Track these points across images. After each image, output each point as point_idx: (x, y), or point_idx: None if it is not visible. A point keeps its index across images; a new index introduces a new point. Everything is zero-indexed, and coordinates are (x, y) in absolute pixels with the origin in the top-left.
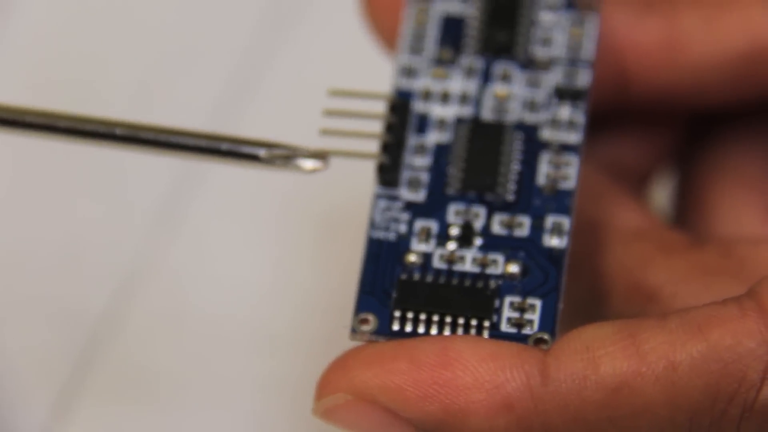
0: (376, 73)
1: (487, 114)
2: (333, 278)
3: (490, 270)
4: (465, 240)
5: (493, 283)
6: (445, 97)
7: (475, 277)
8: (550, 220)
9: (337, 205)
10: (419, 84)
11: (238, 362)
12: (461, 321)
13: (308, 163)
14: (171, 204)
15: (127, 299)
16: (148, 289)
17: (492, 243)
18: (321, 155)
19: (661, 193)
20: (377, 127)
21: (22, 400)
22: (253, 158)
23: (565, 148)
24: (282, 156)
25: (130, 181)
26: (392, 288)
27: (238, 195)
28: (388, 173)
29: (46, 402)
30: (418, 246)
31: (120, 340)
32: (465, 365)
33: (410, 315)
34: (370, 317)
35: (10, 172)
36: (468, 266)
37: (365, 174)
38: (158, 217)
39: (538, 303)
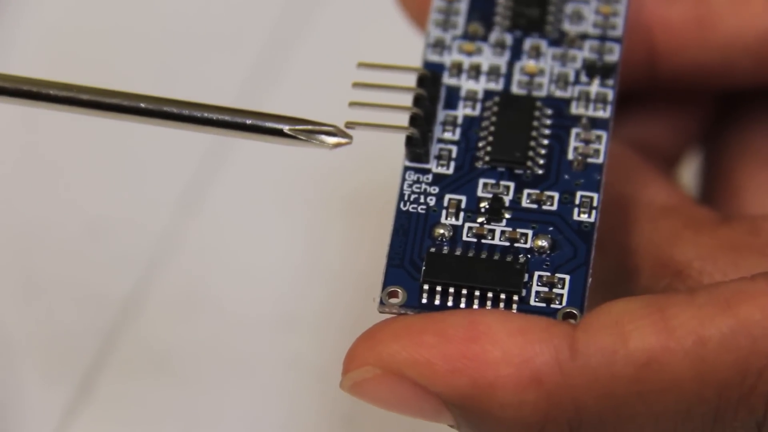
0: (406, 49)
1: (517, 89)
2: (360, 256)
3: (519, 244)
4: (494, 214)
5: (522, 257)
6: (475, 72)
7: (504, 250)
8: (579, 195)
9: (364, 183)
10: (449, 58)
11: (264, 341)
12: (490, 294)
13: (331, 139)
14: (195, 184)
15: (152, 279)
16: (173, 269)
17: (521, 217)
18: (344, 131)
19: (687, 172)
20: (407, 100)
21: (47, 379)
22: (277, 133)
23: (595, 123)
24: (305, 131)
25: (155, 163)
26: (421, 261)
27: (263, 174)
28: (418, 146)
29: (70, 380)
30: (447, 219)
31: (145, 318)
32: (494, 339)
33: (439, 288)
34: (399, 290)
35: (34, 153)
36: (497, 240)
37: (391, 152)
38: (183, 197)
39: (566, 278)
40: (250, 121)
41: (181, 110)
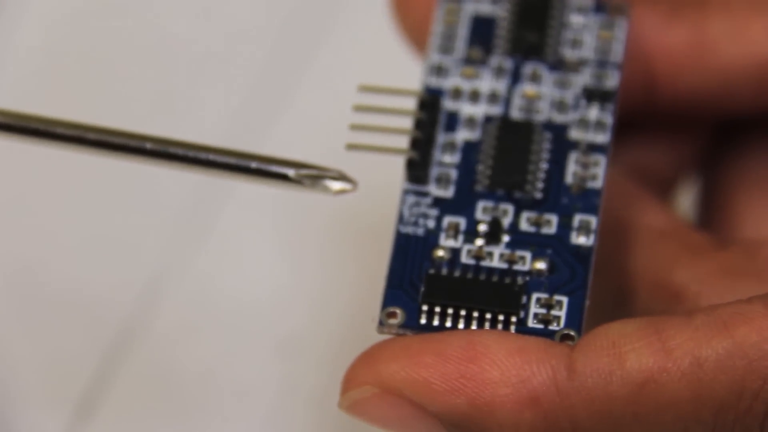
0: (406, 73)
1: (516, 113)
2: (358, 279)
3: (518, 266)
4: (493, 236)
5: (520, 279)
6: (474, 96)
7: (502, 273)
8: (577, 219)
9: (362, 207)
10: (449, 82)
11: (262, 367)
12: (488, 316)
13: (336, 184)
14: (195, 212)
15: (151, 304)
16: (171, 294)
17: (519, 240)
18: (349, 177)
19: (686, 198)
20: (407, 124)
21: (48, 403)
22: (282, 177)
23: (593, 148)
24: (310, 176)
25: (156, 187)
26: (420, 282)
27: (261, 200)
28: (418, 169)
29: (68, 406)
30: (447, 241)
31: (143, 343)
32: (492, 359)
33: (438, 309)
34: (398, 311)
35: (37, 174)
36: (495, 262)
37: (390, 175)
38: (182, 225)
39: (564, 300)
40: (255, 165)
41: (186, 152)
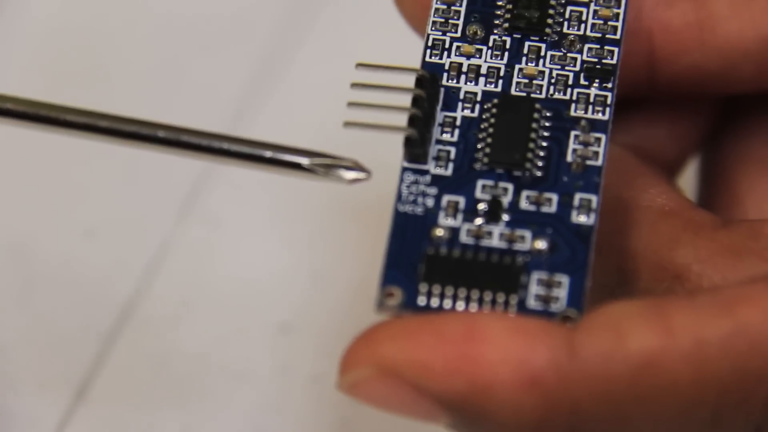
0: (405, 51)
1: (516, 91)
2: (356, 260)
3: (518, 246)
4: (492, 215)
5: (520, 259)
6: (474, 73)
7: (502, 252)
8: (578, 197)
9: (360, 186)
10: (448, 60)
11: (259, 347)
12: (488, 296)
13: (350, 173)
14: (194, 191)
15: (149, 285)
16: (169, 275)
17: (520, 219)
18: (363, 166)
19: (686, 177)
20: (405, 101)
21: (44, 384)
22: (296, 167)
23: (594, 125)
24: (324, 165)
25: (154, 168)
26: (419, 262)
27: (258, 180)
28: (416, 147)
29: (66, 386)
30: (446, 221)
31: (142, 325)
32: (491, 340)
33: (437, 290)
34: (396, 291)
35: (34, 153)
36: (495, 242)
37: (389, 154)
38: (180, 204)
39: (565, 279)
40: (269, 154)
41: (199, 141)
